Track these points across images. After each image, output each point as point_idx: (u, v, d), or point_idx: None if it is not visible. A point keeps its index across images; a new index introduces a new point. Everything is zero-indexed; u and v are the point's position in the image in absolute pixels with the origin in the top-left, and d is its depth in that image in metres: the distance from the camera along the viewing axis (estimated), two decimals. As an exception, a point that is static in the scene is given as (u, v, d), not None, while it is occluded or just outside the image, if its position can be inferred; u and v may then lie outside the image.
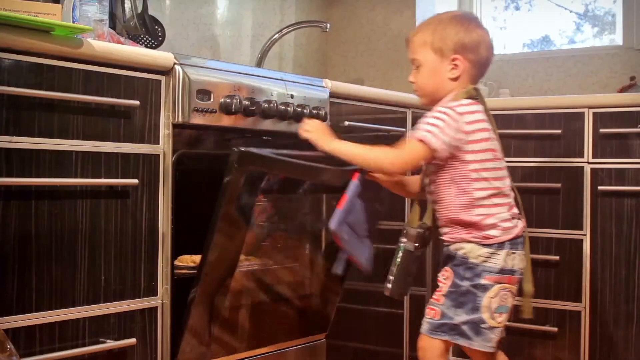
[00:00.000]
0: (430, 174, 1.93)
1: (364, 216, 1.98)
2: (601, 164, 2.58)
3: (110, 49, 1.69)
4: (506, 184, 1.92)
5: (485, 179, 1.86)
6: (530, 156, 2.70)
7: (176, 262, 1.94)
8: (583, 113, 2.62)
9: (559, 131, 2.64)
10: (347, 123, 2.37)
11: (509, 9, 3.61)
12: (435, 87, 1.94)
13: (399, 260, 1.97)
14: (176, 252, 1.88)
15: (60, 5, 1.80)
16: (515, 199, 1.94)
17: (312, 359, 2.24)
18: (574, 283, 2.61)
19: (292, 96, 2.11)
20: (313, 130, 1.96)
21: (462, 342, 1.86)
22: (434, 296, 1.91)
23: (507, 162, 2.70)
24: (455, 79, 1.92)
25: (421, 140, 1.83)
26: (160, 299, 1.80)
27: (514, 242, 1.87)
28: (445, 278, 1.89)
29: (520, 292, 1.92)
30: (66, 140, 1.60)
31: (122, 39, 2.06)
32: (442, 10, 3.47)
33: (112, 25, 2.25)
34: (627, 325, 2.54)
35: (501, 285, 1.84)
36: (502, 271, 1.85)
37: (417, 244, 1.96)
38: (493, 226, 1.86)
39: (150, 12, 2.47)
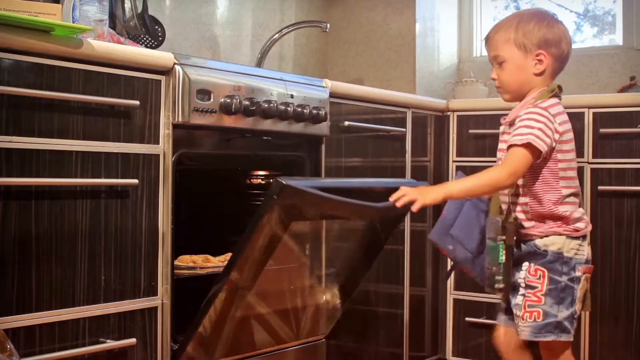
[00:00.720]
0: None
1: (478, 234, 1.97)
2: (601, 164, 2.58)
3: (110, 49, 1.69)
4: (578, 183, 1.96)
5: (570, 178, 1.92)
6: (530, 156, 2.70)
7: (176, 262, 1.94)
8: (583, 113, 2.61)
9: (559, 131, 2.64)
10: (347, 123, 2.37)
11: (509, 9, 3.61)
12: (520, 83, 1.97)
13: (503, 258, 1.89)
14: (176, 252, 1.88)
15: (60, 5, 1.80)
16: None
17: (312, 359, 2.24)
18: (574, 283, 2.60)
19: (292, 96, 2.11)
20: (409, 192, 1.83)
21: (564, 337, 1.88)
22: (530, 298, 1.88)
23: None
24: (539, 74, 1.96)
25: (527, 145, 1.83)
26: (160, 299, 1.80)
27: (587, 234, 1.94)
28: (539, 277, 1.88)
29: None
30: (66, 140, 1.60)
31: (122, 39, 2.06)
32: (442, 10, 3.49)
33: (112, 25, 2.25)
34: (627, 325, 2.54)
35: (585, 275, 1.91)
36: (587, 261, 1.91)
37: (515, 237, 1.91)
38: (579, 219, 1.91)
39: (150, 12, 2.47)
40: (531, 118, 1.86)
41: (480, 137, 2.78)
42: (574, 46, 3.38)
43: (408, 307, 2.70)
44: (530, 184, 1.91)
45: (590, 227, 1.94)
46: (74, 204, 1.62)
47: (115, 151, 1.70)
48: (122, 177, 1.71)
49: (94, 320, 1.66)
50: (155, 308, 1.79)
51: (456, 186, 1.90)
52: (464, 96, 3.18)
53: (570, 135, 1.93)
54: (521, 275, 1.91)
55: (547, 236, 1.89)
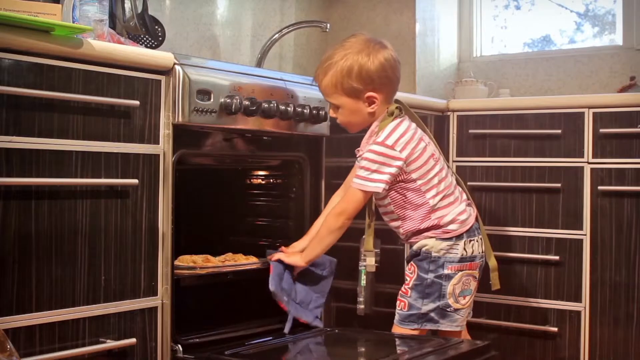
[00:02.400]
0: (383, 198, 2.03)
1: (302, 285, 2.10)
2: (601, 164, 2.58)
3: (110, 49, 1.69)
4: (449, 180, 2.05)
5: (435, 186, 2.00)
6: (530, 156, 2.70)
7: (176, 262, 1.94)
8: (583, 113, 2.61)
9: (559, 131, 2.64)
10: (347, 123, 2.36)
11: (509, 8, 3.61)
12: (359, 122, 2.05)
13: (364, 282, 2.09)
14: (176, 252, 1.88)
15: (60, 5, 1.80)
16: (461, 186, 2.10)
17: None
18: (574, 283, 2.60)
19: (292, 96, 2.11)
20: (281, 256, 2.06)
21: (430, 326, 2.02)
22: (402, 289, 2.06)
23: (507, 162, 2.72)
24: (374, 112, 2.01)
25: (361, 190, 1.96)
26: (160, 299, 1.80)
27: (470, 231, 2.03)
28: (411, 272, 2.04)
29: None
30: (66, 140, 1.60)
31: (122, 39, 2.06)
32: (442, 10, 3.49)
33: (112, 25, 2.25)
34: (627, 325, 2.54)
35: (463, 272, 2.01)
36: (462, 260, 2.01)
37: (377, 264, 2.09)
38: (452, 222, 2.00)
39: (150, 12, 2.47)
40: (369, 159, 1.95)
41: (481, 137, 2.78)
42: (574, 46, 3.42)
43: (408, 307, 2.69)
44: (397, 209, 2.03)
45: (468, 226, 2.02)
46: (74, 204, 1.62)
47: (115, 151, 1.70)
48: (122, 177, 1.71)
49: (94, 320, 1.66)
50: (155, 308, 1.79)
51: (308, 255, 2.04)
52: (464, 96, 3.18)
53: (420, 146, 2.00)
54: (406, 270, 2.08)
55: (419, 240, 2.02)
